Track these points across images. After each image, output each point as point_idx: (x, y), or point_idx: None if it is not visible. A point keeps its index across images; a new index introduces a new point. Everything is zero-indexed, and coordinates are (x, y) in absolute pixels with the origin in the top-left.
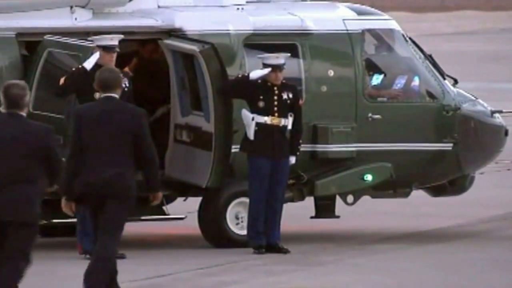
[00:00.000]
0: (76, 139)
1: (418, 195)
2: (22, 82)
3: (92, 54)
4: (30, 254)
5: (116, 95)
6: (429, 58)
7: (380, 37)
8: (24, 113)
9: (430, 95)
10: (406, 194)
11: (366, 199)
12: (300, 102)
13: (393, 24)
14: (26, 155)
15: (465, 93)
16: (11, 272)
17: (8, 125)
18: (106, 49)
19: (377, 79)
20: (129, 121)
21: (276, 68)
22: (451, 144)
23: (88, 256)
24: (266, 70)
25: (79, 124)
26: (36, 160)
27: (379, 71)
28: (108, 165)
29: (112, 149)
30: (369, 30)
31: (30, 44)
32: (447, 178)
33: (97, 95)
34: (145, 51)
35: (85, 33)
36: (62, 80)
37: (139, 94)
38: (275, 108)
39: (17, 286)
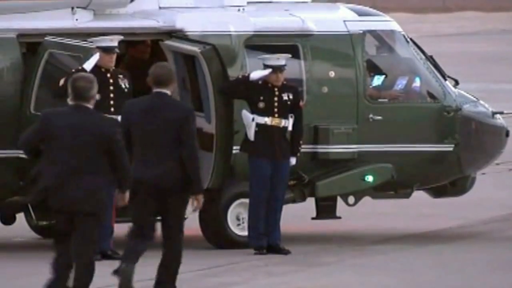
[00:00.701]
0: (125, 134)
1: (419, 196)
2: (89, 75)
3: (92, 55)
4: (97, 242)
5: (167, 91)
6: (430, 59)
7: (381, 38)
8: (90, 105)
9: (431, 96)
10: (407, 195)
11: (367, 200)
12: (301, 103)
13: (394, 25)
14: (91, 147)
15: (466, 94)
16: (77, 266)
17: (74, 117)
18: (105, 50)
19: (378, 80)
20: (176, 117)
21: (277, 69)
22: (452, 145)
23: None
24: (267, 71)
25: (127, 119)
26: (101, 151)
27: (380, 72)
28: (159, 161)
29: (159, 145)
30: (370, 31)
31: (31, 45)
32: (448, 179)
33: (96, 96)
34: (136, 52)
35: (86, 34)
36: (61, 81)
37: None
38: (276, 109)
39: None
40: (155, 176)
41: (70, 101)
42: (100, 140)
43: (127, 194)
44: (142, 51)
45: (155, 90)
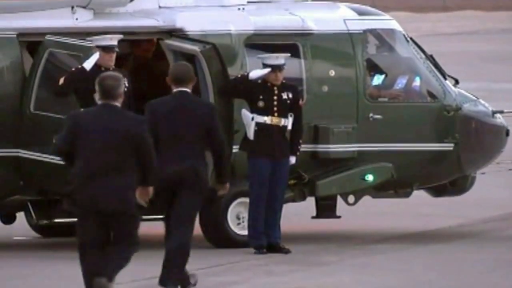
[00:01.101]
0: (151, 133)
1: (419, 195)
2: (116, 74)
3: (92, 54)
4: (135, 239)
5: (188, 89)
6: (430, 58)
7: (381, 37)
8: (118, 104)
9: (431, 95)
10: (407, 194)
11: (367, 199)
12: (301, 102)
13: (394, 24)
14: (120, 145)
15: (466, 93)
16: (117, 259)
17: (102, 116)
18: (105, 49)
19: (378, 79)
20: (202, 114)
21: (276, 68)
22: (452, 144)
23: None
24: (266, 70)
25: (153, 118)
26: (129, 150)
27: (380, 71)
28: (182, 158)
29: (185, 142)
30: (370, 30)
31: (31, 44)
32: (448, 178)
33: (97, 96)
34: (139, 51)
35: (86, 33)
36: (61, 80)
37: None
38: (275, 108)
39: (118, 271)
40: (179, 172)
41: (98, 100)
42: (129, 138)
43: (151, 189)
44: (147, 49)
45: (176, 89)
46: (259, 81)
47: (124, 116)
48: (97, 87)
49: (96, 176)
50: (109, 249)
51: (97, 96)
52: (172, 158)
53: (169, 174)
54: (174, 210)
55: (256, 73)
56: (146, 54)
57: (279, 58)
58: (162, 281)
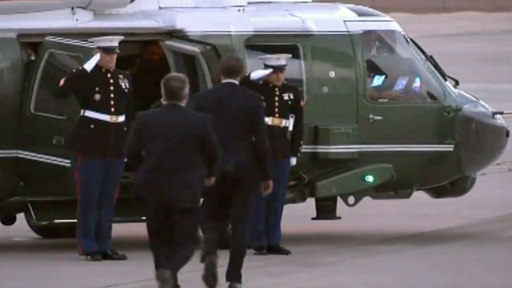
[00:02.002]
0: None
1: (419, 196)
2: (181, 75)
3: (92, 55)
4: (197, 236)
5: (236, 81)
6: (430, 59)
7: (381, 38)
8: (183, 104)
9: (431, 96)
10: (407, 195)
11: (367, 200)
12: (302, 103)
13: (394, 25)
14: (186, 143)
15: (466, 94)
16: (181, 253)
17: (168, 116)
18: (106, 50)
19: (378, 80)
20: (248, 105)
21: (277, 69)
22: (452, 145)
23: (89, 257)
24: (267, 71)
25: (200, 110)
26: (195, 147)
27: (380, 72)
28: (230, 150)
29: (232, 133)
30: (370, 31)
31: (31, 45)
32: (448, 179)
33: (97, 96)
34: (147, 53)
35: (86, 34)
36: (62, 81)
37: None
38: (276, 109)
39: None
40: (230, 166)
41: (163, 101)
42: (194, 136)
43: (213, 179)
44: (153, 52)
45: (225, 80)
46: (260, 82)
47: (188, 116)
48: (162, 88)
49: (163, 173)
50: (174, 244)
51: (162, 97)
52: (225, 151)
53: (225, 170)
54: (232, 207)
55: (257, 74)
56: (153, 57)
57: (280, 59)
58: (229, 277)
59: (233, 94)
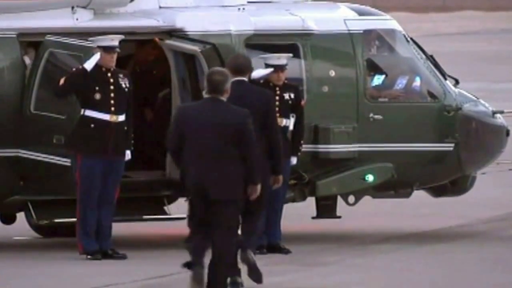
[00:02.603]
0: None
1: (419, 195)
2: (224, 69)
3: (92, 54)
4: (237, 227)
5: (245, 79)
6: (430, 58)
7: (382, 38)
8: (224, 98)
9: (431, 95)
10: (407, 195)
11: (367, 199)
12: (302, 102)
13: (394, 25)
14: (226, 137)
15: (466, 94)
16: (224, 245)
17: (210, 109)
18: (106, 49)
19: (378, 80)
20: (261, 102)
21: (278, 68)
22: (452, 145)
23: (89, 256)
24: (268, 70)
25: None
26: (235, 141)
27: (381, 72)
28: None
29: None
30: (371, 31)
31: (32, 44)
32: (448, 179)
33: (97, 95)
34: (142, 54)
35: (86, 34)
36: (62, 81)
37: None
38: (277, 109)
39: (235, 254)
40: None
41: (205, 94)
42: (235, 130)
43: (259, 187)
44: (148, 53)
45: (235, 78)
46: (261, 81)
47: (229, 109)
48: (205, 82)
49: (204, 165)
50: (214, 236)
51: (204, 90)
52: None
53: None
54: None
55: (258, 73)
56: (147, 57)
57: (281, 59)
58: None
59: (245, 92)
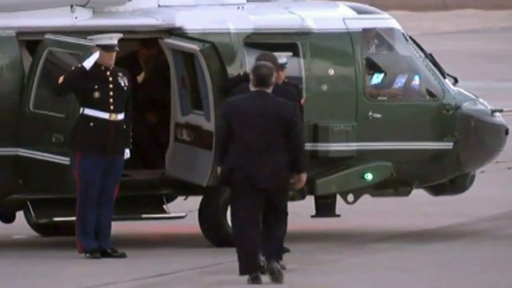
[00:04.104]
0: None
1: (419, 194)
2: (270, 63)
3: (91, 53)
4: (286, 211)
5: (268, 90)
6: (430, 57)
7: (381, 36)
8: (269, 91)
9: (431, 94)
10: (407, 193)
11: (366, 198)
12: (302, 101)
13: (394, 23)
14: (273, 128)
15: (465, 92)
16: (273, 238)
17: (257, 101)
18: (105, 48)
19: (377, 78)
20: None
21: (278, 67)
22: (452, 143)
23: (88, 255)
24: None
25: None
26: (281, 132)
27: (380, 70)
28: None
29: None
30: (369, 29)
31: (31, 43)
32: (448, 177)
33: (96, 94)
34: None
35: (86, 32)
36: (61, 79)
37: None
38: None
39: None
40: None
41: (252, 87)
42: (281, 122)
43: (304, 176)
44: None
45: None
46: None
47: (277, 101)
48: (251, 75)
49: (254, 156)
50: (265, 226)
51: (250, 84)
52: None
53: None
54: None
55: None
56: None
57: (281, 57)
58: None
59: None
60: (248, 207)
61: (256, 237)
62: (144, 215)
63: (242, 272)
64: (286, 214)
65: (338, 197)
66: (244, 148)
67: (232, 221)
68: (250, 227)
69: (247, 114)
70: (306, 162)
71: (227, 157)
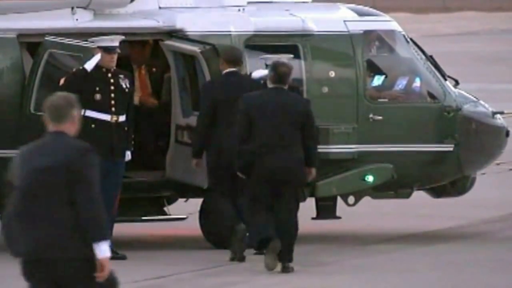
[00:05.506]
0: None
1: (419, 196)
2: (288, 62)
3: (93, 55)
4: (299, 200)
5: (284, 87)
6: (430, 59)
7: (381, 38)
8: (286, 88)
9: (431, 96)
10: (407, 195)
11: (367, 200)
12: None
13: (394, 25)
14: (290, 123)
15: (466, 94)
16: (290, 223)
17: (275, 97)
18: (106, 50)
19: (378, 80)
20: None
21: None
22: (452, 145)
23: None
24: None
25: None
26: (297, 126)
27: (380, 72)
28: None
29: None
30: (370, 31)
31: (31, 45)
32: (448, 179)
33: (97, 96)
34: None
35: (86, 34)
36: (62, 81)
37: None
38: None
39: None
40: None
41: (270, 84)
42: (301, 116)
43: (314, 171)
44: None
45: (228, 69)
46: (262, 81)
47: (293, 97)
48: (271, 73)
49: (272, 150)
50: (278, 217)
51: (269, 81)
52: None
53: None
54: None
55: (258, 73)
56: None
57: (281, 59)
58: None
59: (238, 82)
60: (263, 196)
61: (266, 222)
62: (144, 217)
63: (259, 245)
64: (297, 209)
65: (339, 199)
66: (263, 142)
67: (245, 208)
68: (261, 213)
69: (265, 108)
70: (316, 157)
71: (246, 150)
